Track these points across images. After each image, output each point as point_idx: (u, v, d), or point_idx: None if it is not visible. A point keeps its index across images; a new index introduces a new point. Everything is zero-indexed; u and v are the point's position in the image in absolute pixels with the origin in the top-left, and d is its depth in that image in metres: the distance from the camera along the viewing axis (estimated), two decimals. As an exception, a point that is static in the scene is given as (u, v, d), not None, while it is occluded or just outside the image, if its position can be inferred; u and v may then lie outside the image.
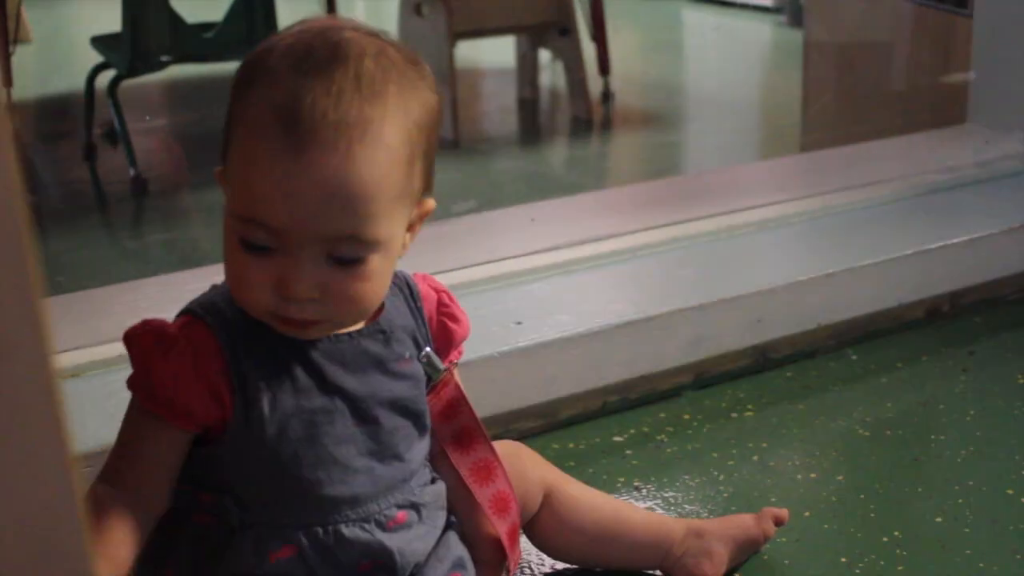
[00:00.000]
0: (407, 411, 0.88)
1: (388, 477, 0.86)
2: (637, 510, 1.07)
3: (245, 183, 0.77)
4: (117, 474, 0.81)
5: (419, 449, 0.89)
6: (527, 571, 1.07)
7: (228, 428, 0.81)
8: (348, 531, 0.84)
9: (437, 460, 0.93)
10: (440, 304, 0.92)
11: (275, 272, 0.77)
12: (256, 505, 0.83)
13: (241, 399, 0.81)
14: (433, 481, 0.91)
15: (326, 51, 0.78)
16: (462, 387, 0.93)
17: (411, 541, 0.87)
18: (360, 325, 0.85)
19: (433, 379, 0.91)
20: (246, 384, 0.81)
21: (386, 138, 0.77)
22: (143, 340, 0.81)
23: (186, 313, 0.84)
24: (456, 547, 0.91)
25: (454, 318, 0.93)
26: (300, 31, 0.81)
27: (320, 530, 0.83)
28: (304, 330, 0.81)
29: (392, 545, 0.85)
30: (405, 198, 0.80)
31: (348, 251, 0.78)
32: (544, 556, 1.07)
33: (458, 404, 0.93)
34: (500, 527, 0.93)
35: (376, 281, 0.80)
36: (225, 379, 0.81)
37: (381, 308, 0.87)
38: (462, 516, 0.93)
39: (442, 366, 0.91)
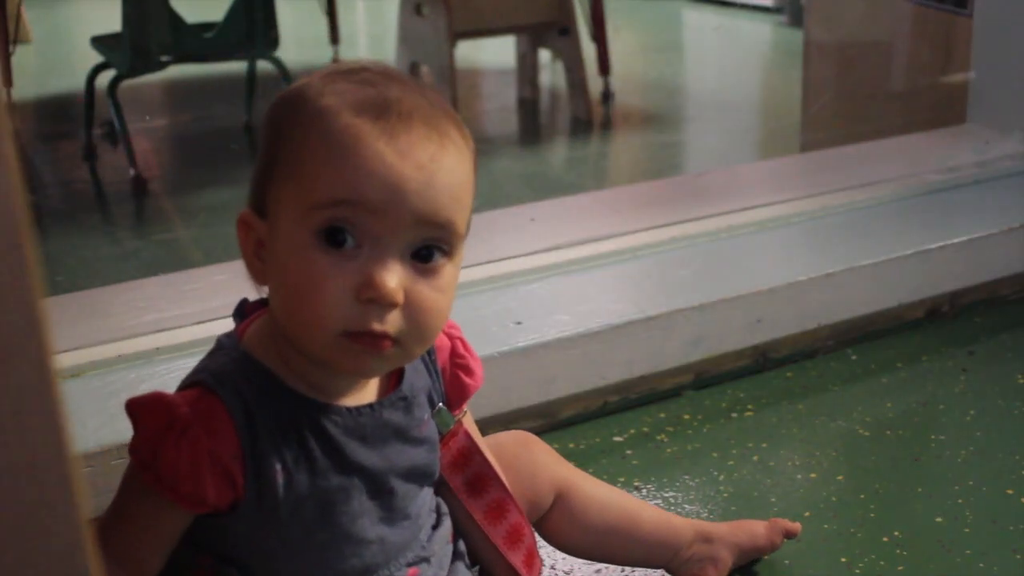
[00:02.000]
0: (421, 476, 0.84)
1: (399, 540, 0.83)
2: (647, 508, 1.06)
3: (336, 166, 0.72)
4: (118, 547, 0.76)
5: (423, 499, 0.86)
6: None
7: (239, 507, 0.77)
8: None
9: (447, 497, 0.90)
10: (454, 354, 0.89)
11: (358, 275, 0.72)
12: (261, 575, 0.80)
13: (254, 480, 0.76)
14: (439, 522, 0.89)
15: (385, 76, 0.77)
16: (472, 434, 0.90)
17: None
18: (379, 393, 0.82)
19: (443, 432, 0.87)
20: (261, 465, 0.76)
21: (465, 153, 0.77)
22: (152, 419, 0.75)
23: (196, 384, 0.77)
24: None
25: (468, 370, 0.89)
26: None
27: None
28: (371, 358, 0.74)
29: None
30: (469, 219, 0.78)
31: (436, 241, 0.74)
32: (544, 556, 1.07)
33: (469, 453, 0.90)
34: (515, 559, 0.91)
35: (447, 296, 0.77)
36: (239, 461, 0.75)
37: (402, 373, 0.83)
38: (478, 548, 0.91)
39: (452, 420, 0.87)
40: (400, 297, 0.72)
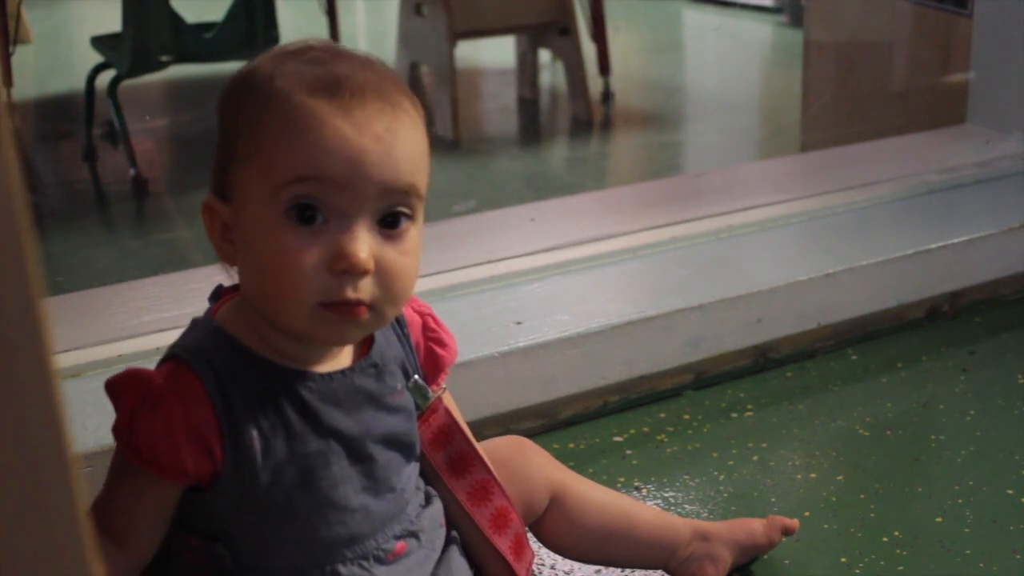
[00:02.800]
0: (400, 444, 0.85)
1: (384, 511, 0.84)
2: (644, 509, 1.07)
3: (297, 146, 0.74)
4: (106, 522, 0.78)
5: (408, 475, 0.87)
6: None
7: (219, 478, 0.78)
8: (345, 570, 0.82)
9: (432, 480, 0.91)
10: (426, 328, 0.90)
11: (328, 247, 0.74)
12: (250, 550, 0.80)
13: (232, 449, 0.77)
14: (428, 501, 0.89)
15: (332, 53, 0.79)
16: (452, 411, 0.91)
17: (410, 570, 0.85)
18: (351, 361, 0.83)
19: (422, 407, 0.88)
20: (237, 433, 0.77)
21: (417, 120, 0.79)
22: (127, 395, 0.77)
23: (171, 358, 0.79)
24: (459, 568, 0.89)
25: (441, 343, 0.91)
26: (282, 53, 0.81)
27: (317, 571, 0.81)
28: (348, 326, 0.77)
29: None
30: (426, 183, 0.80)
31: (400, 207, 0.76)
32: (544, 557, 1.07)
33: (450, 430, 0.91)
34: (502, 543, 0.91)
35: (415, 259, 0.79)
36: (215, 430, 0.77)
37: (372, 340, 0.84)
38: (466, 535, 0.92)
39: (431, 394, 0.89)
40: (371, 265, 0.75)
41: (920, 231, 1.60)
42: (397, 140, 0.76)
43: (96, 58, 2.75)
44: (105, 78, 2.67)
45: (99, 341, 1.24)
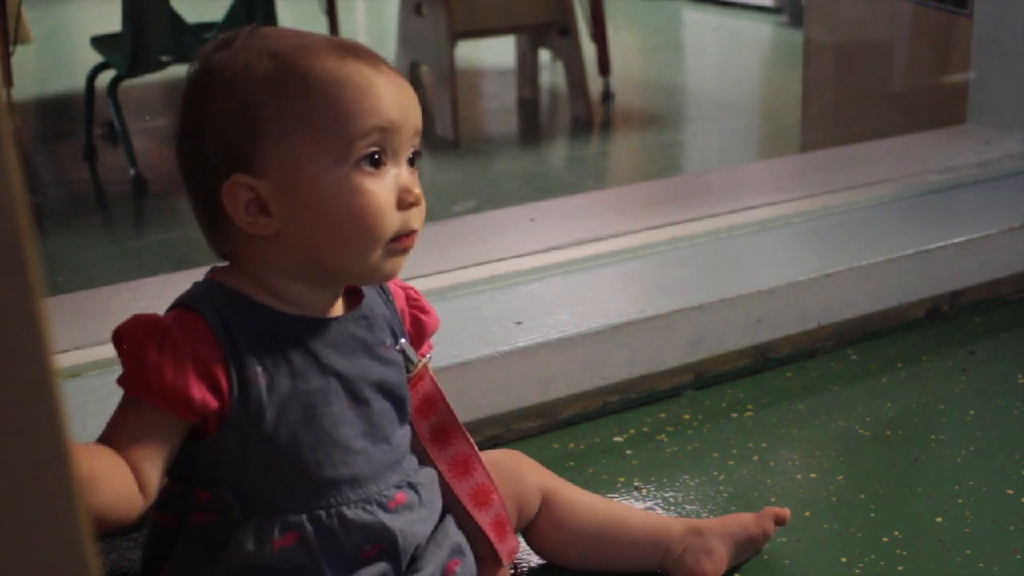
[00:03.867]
0: (393, 395, 0.89)
1: (383, 459, 0.87)
2: (635, 511, 1.07)
3: (360, 102, 0.81)
4: (109, 440, 0.79)
5: (402, 435, 0.91)
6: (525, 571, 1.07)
7: (226, 416, 0.81)
8: (351, 513, 0.84)
9: (418, 452, 0.94)
10: (409, 298, 0.96)
11: (394, 186, 0.83)
12: (256, 494, 0.83)
13: (239, 384, 0.81)
14: (421, 465, 0.93)
15: (287, 32, 0.87)
16: (437, 382, 0.95)
17: (412, 523, 0.87)
18: (342, 311, 0.88)
19: (409, 372, 0.92)
20: (243, 369, 0.81)
21: None
22: (135, 333, 0.80)
23: (175, 307, 0.84)
24: (454, 534, 0.92)
25: (424, 310, 0.96)
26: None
27: (323, 513, 0.84)
28: (405, 257, 0.86)
29: (395, 526, 0.86)
30: None
31: (417, 145, 0.87)
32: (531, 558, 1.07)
33: (434, 399, 0.94)
34: (482, 520, 0.94)
35: None
36: (222, 365, 0.80)
37: (361, 295, 0.90)
38: (450, 510, 0.94)
39: (416, 358, 0.93)
40: (422, 197, 0.85)
41: (920, 231, 1.60)
42: (408, 87, 0.86)
43: (96, 58, 2.75)
44: (105, 78, 2.67)
45: (99, 341, 1.24)
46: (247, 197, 0.82)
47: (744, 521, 1.06)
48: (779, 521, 1.07)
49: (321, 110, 0.81)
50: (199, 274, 1.41)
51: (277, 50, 0.83)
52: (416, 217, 0.85)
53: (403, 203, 0.83)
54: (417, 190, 0.84)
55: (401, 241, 0.84)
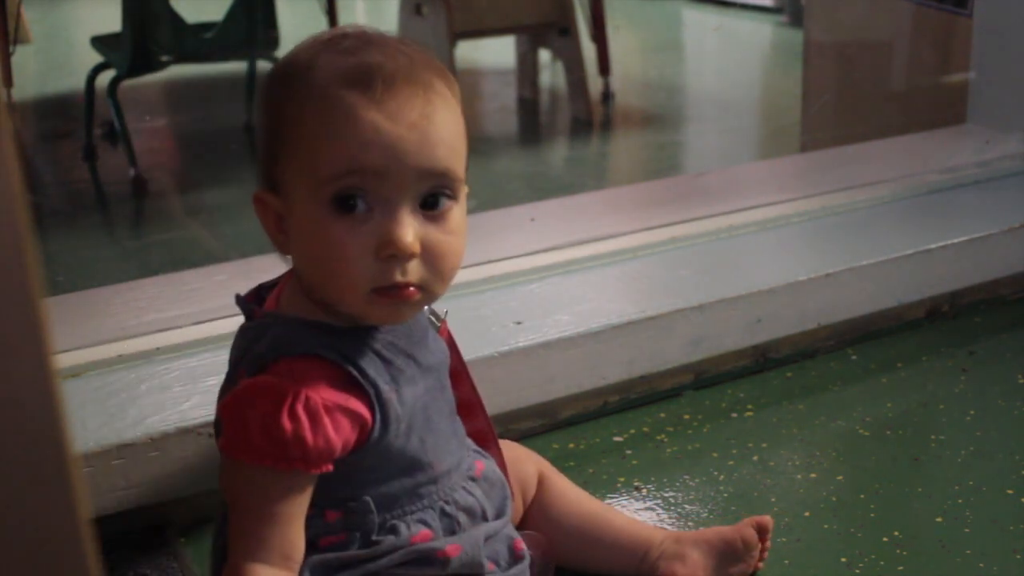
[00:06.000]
0: (445, 367, 0.91)
1: (460, 433, 0.91)
2: (621, 515, 1.07)
3: (335, 142, 0.76)
4: (267, 545, 0.78)
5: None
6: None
7: (366, 440, 0.80)
8: (460, 496, 0.87)
9: None
10: None
11: (375, 235, 0.77)
12: (389, 500, 0.84)
13: (379, 409, 0.80)
14: None
15: (364, 41, 0.82)
16: (461, 354, 0.96)
17: (493, 484, 0.92)
18: None
19: (436, 326, 0.92)
20: (379, 392, 0.80)
21: (451, 100, 0.81)
22: (255, 405, 0.77)
23: (275, 361, 0.79)
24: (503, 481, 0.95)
25: None
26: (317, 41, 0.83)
27: (443, 504, 0.86)
28: (402, 307, 0.80)
29: (481, 496, 0.89)
30: (464, 163, 0.83)
31: (440, 188, 0.79)
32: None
33: (452, 345, 0.94)
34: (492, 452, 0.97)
35: (460, 238, 0.82)
36: (360, 397, 0.79)
37: None
38: None
39: (441, 312, 0.93)
40: (417, 248, 0.78)
41: (920, 231, 1.60)
42: (431, 125, 0.78)
43: (96, 58, 2.75)
44: (105, 78, 2.67)
45: (99, 341, 1.24)
46: (272, 215, 0.82)
47: (721, 529, 1.04)
48: (760, 529, 1.04)
49: (305, 141, 0.78)
50: (199, 274, 1.43)
51: (307, 64, 0.79)
52: (404, 270, 0.77)
53: (381, 254, 0.77)
54: (403, 241, 0.76)
55: (384, 294, 0.78)
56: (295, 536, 0.79)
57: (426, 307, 0.90)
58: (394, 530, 0.84)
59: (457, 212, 0.81)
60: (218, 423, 0.83)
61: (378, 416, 0.80)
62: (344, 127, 0.76)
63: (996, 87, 2.02)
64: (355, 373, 0.79)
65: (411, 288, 0.78)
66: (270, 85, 0.83)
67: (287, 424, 0.75)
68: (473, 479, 0.89)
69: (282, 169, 0.80)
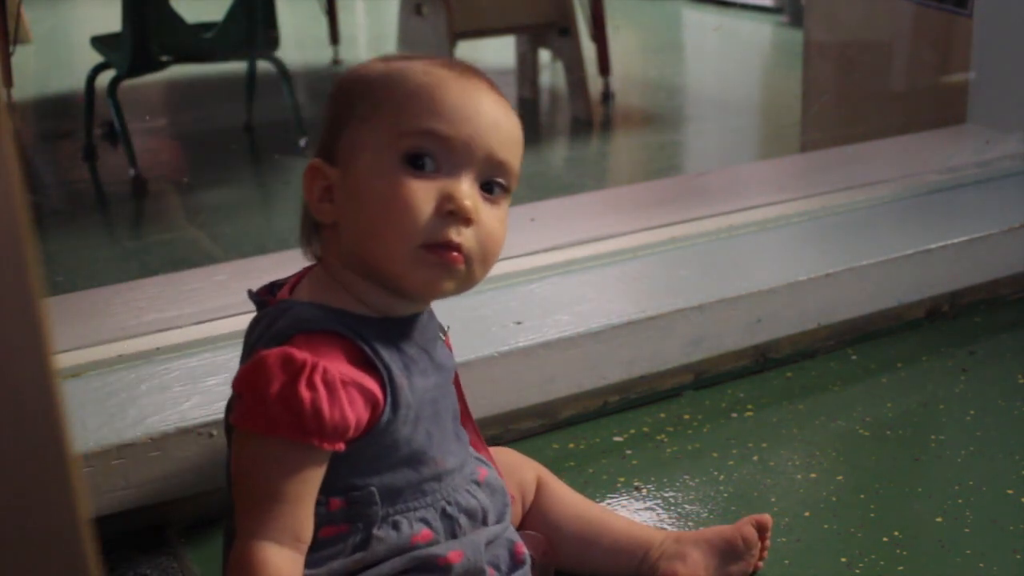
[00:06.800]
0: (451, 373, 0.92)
1: (464, 439, 0.92)
2: (620, 517, 1.07)
3: (421, 101, 0.81)
4: (277, 524, 0.78)
5: None
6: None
7: (376, 423, 0.81)
8: (461, 498, 0.88)
9: None
10: None
11: (439, 191, 0.81)
12: (392, 493, 0.84)
13: (391, 391, 0.81)
14: None
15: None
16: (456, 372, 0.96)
17: (495, 491, 0.92)
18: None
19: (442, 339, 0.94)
20: (392, 376, 0.82)
21: (518, 121, 0.87)
22: (272, 374, 0.76)
23: (295, 335, 0.80)
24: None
25: None
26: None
27: (446, 504, 0.87)
28: (444, 272, 0.81)
29: (485, 499, 0.90)
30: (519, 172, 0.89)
31: (500, 176, 0.84)
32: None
33: (455, 386, 0.96)
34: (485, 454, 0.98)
35: (504, 229, 0.86)
36: (375, 377, 0.81)
37: None
38: None
39: (444, 327, 0.94)
40: (472, 213, 0.81)
41: (920, 231, 1.60)
42: (504, 117, 0.85)
43: (96, 58, 2.75)
44: (105, 78, 2.67)
45: (99, 341, 1.24)
46: (321, 184, 0.84)
47: (721, 529, 1.04)
48: (760, 527, 1.03)
49: (386, 102, 0.82)
50: (199, 274, 1.43)
51: (387, 61, 0.86)
52: (458, 230, 0.81)
53: (441, 209, 0.80)
54: (465, 200, 0.80)
55: (434, 251, 0.80)
56: (305, 517, 0.79)
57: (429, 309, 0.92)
58: (396, 526, 0.84)
59: (505, 207, 0.86)
60: (230, 403, 0.83)
61: (389, 398, 0.81)
62: (434, 93, 0.82)
63: (996, 87, 2.02)
64: (370, 353, 0.81)
65: (458, 253, 0.81)
66: (350, 75, 0.87)
67: (305, 393, 0.76)
68: (476, 483, 0.90)
69: (347, 137, 0.83)
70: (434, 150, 0.81)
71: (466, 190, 0.81)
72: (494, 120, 0.83)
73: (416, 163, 0.81)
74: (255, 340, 0.83)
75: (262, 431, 0.77)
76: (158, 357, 1.22)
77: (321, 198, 0.85)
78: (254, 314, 0.88)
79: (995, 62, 2.01)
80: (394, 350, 0.83)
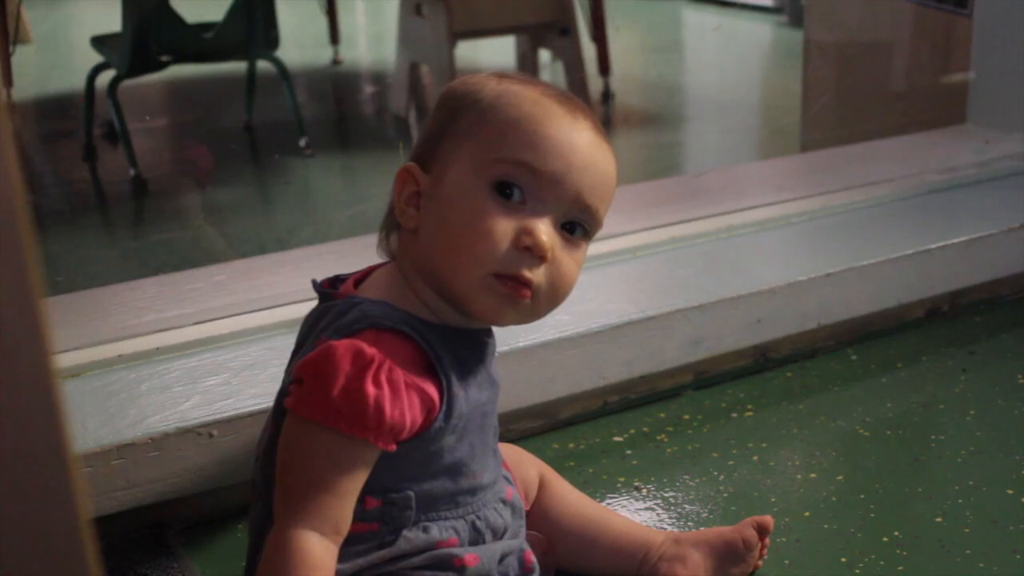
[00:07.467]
0: None
1: (499, 457, 0.92)
2: (620, 517, 1.07)
3: (522, 131, 0.82)
4: (321, 514, 0.78)
5: None
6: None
7: (427, 429, 0.81)
8: (491, 514, 0.88)
9: None
10: None
11: (520, 223, 0.81)
12: (428, 500, 0.84)
13: (447, 399, 0.82)
14: None
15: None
16: None
17: (517, 509, 0.93)
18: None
19: None
20: (450, 385, 0.82)
21: (615, 165, 0.88)
22: (341, 365, 0.77)
23: (366, 329, 0.80)
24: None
25: None
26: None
27: (474, 518, 0.87)
28: (509, 304, 0.82)
29: (511, 519, 0.91)
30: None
31: (583, 220, 0.85)
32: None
33: None
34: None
35: (577, 271, 0.86)
36: (435, 384, 0.81)
37: None
38: None
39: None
40: (547, 252, 0.81)
41: (920, 231, 1.60)
42: (602, 160, 0.85)
43: (96, 58, 2.75)
44: (105, 78, 2.67)
45: (99, 341, 1.24)
46: (411, 189, 0.85)
47: (721, 530, 1.04)
48: (761, 528, 1.03)
49: (490, 124, 0.83)
50: (199, 274, 1.43)
51: (508, 83, 0.85)
52: (531, 267, 0.81)
53: (519, 242, 0.80)
54: (542, 238, 0.80)
55: (504, 282, 0.81)
56: (348, 511, 0.80)
57: None
58: (426, 530, 0.85)
59: (583, 249, 0.86)
60: (284, 388, 0.84)
61: (444, 406, 0.82)
62: (537, 123, 0.82)
63: (996, 87, 2.02)
64: (433, 358, 0.81)
65: (528, 289, 0.82)
66: (470, 80, 0.87)
67: (371, 389, 0.76)
68: (503, 502, 0.91)
69: (445, 148, 0.84)
70: (524, 182, 0.82)
71: (545, 228, 0.82)
72: (589, 162, 0.83)
73: (504, 191, 0.81)
74: (321, 330, 0.83)
75: (321, 420, 0.78)
76: (158, 357, 1.23)
77: (408, 203, 0.85)
78: (311, 306, 0.88)
79: (995, 62, 2.01)
80: (456, 360, 0.84)
